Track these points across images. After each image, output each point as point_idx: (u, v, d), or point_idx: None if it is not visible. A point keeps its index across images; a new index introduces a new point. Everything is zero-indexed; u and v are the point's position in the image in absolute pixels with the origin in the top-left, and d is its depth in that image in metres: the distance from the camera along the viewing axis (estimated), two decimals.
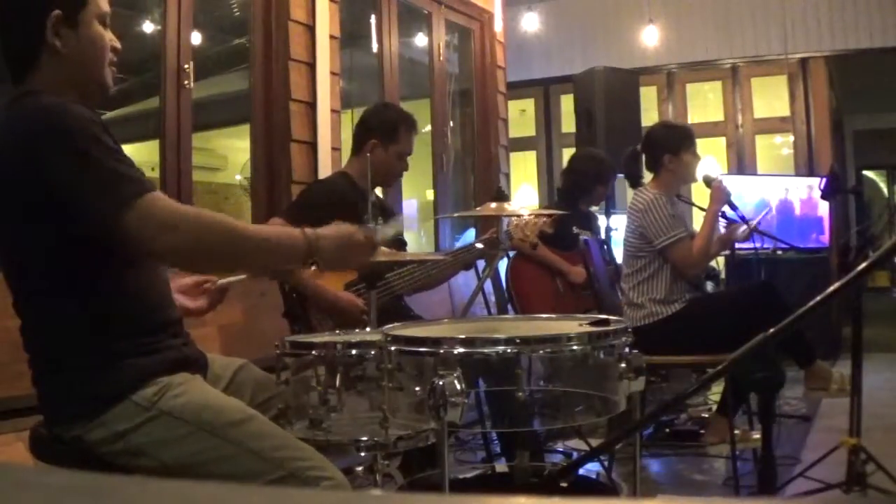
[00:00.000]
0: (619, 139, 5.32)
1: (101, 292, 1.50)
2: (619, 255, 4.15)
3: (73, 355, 1.51)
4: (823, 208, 6.27)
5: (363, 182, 2.86)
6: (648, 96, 7.21)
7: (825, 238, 6.36)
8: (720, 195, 3.43)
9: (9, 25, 1.59)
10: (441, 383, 1.37)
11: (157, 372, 1.52)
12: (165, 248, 1.46)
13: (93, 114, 1.51)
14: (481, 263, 3.38)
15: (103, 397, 1.48)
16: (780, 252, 5.26)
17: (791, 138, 7.62)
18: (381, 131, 2.92)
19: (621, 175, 5.11)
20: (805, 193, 6.35)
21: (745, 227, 3.47)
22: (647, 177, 3.68)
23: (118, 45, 1.67)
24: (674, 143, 3.50)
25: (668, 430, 3.79)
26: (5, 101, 1.56)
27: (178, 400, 1.50)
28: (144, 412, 1.48)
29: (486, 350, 1.45)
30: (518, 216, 2.74)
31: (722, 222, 3.55)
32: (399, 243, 2.97)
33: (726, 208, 3.47)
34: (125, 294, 1.54)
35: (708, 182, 3.51)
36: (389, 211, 3.12)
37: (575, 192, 4.36)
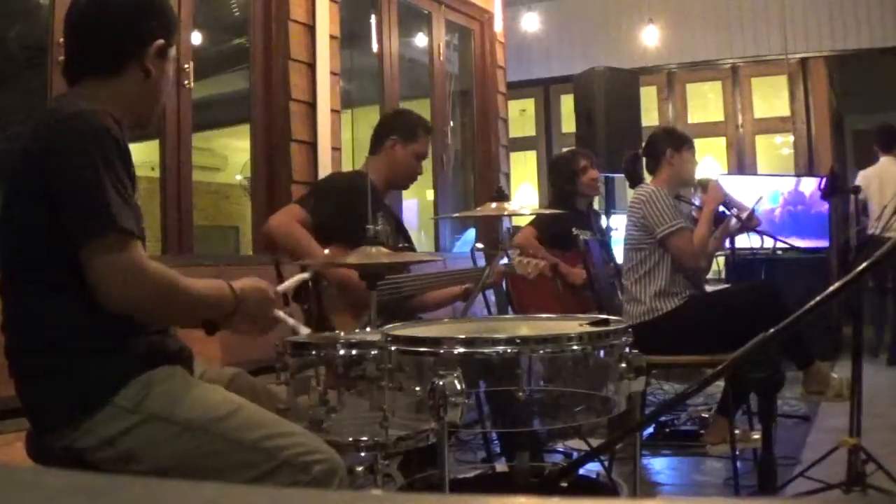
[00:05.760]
0: (619, 139, 5.32)
1: (75, 289, 1.47)
2: (619, 254, 4.15)
3: (48, 354, 1.50)
4: (823, 208, 6.27)
5: (379, 182, 2.89)
6: (648, 96, 7.21)
7: (825, 238, 6.36)
8: (716, 194, 3.47)
9: (113, 31, 1.63)
10: (441, 383, 1.37)
11: (136, 369, 1.50)
12: (116, 299, 1.44)
13: (121, 136, 1.51)
14: (481, 262, 3.39)
15: (84, 402, 1.47)
16: (780, 252, 5.26)
17: (791, 138, 7.63)
18: (401, 131, 2.99)
19: (621, 175, 5.13)
20: (805, 193, 6.35)
21: (735, 219, 3.49)
22: (648, 180, 3.71)
23: None
24: (675, 141, 3.58)
25: (668, 430, 3.79)
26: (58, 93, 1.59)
27: (164, 400, 1.49)
28: (130, 415, 1.47)
29: (486, 350, 1.45)
30: (517, 227, 2.76)
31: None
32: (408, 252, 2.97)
33: (723, 208, 3.51)
34: None
35: (704, 184, 3.58)
36: (397, 219, 3.11)
37: (562, 196, 4.39)
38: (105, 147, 1.46)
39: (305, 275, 1.94)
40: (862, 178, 5.92)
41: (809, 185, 6.35)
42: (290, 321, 1.75)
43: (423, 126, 3.06)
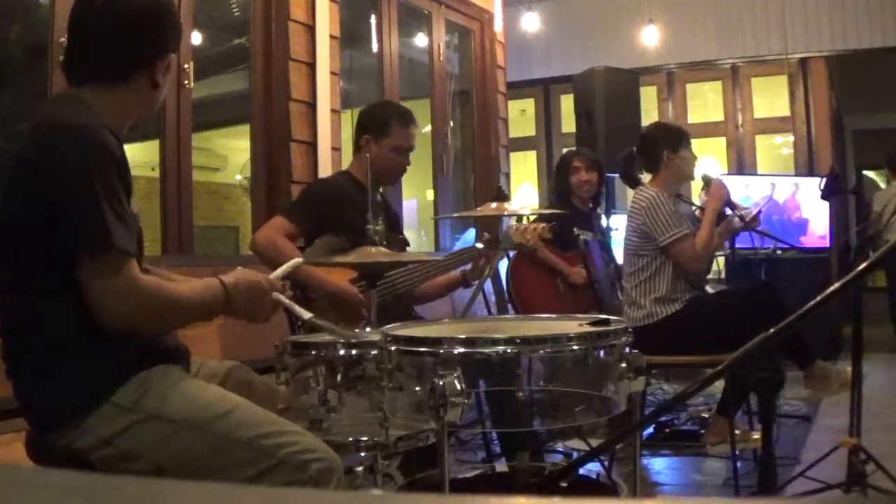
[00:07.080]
0: (619, 139, 5.31)
1: (71, 291, 1.48)
2: (618, 254, 4.15)
3: (46, 355, 1.51)
4: (823, 208, 6.27)
5: (365, 180, 2.86)
6: (648, 96, 7.21)
7: (825, 238, 6.36)
8: (720, 194, 3.43)
9: (129, 40, 1.63)
10: (441, 383, 1.37)
11: (133, 368, 1.51)
12: (113, 318, 1.46)
13: (119, 149, 1.52)
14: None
15: (82, 401, 1.47)
16: (780, 252, 5.26)
17: (791, 138, 7.63)
18: (372, 127, 2.93)
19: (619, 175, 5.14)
20: (805, 193, 6.35)
21: (737, 219, 3.46)
22: (646, 178, 3.67)
23: None
24: (671, 140, 3.49)
25: (668, 430, 3.79)
26: (57, 92, 1.59)
27: (161, 398, 1.49)
28: (128, 414, 1.47)
29: (486, 350, 1.45)
30: (519, 217, 2.75)
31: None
32: (401, 243, 2.97)
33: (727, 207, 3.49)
34: None
35: (707, 181, 3.52)
36: (392, 210, 3.11)
37: (559, 195, 4.40)
38: (103, 165, 1.47)
39: (299, 259, 1.94)
40: (879, 197, 6.14)
41: (784, 192, 6.34)
42: (292, 305, 1.75)
43: (398, 118, 2.93)
